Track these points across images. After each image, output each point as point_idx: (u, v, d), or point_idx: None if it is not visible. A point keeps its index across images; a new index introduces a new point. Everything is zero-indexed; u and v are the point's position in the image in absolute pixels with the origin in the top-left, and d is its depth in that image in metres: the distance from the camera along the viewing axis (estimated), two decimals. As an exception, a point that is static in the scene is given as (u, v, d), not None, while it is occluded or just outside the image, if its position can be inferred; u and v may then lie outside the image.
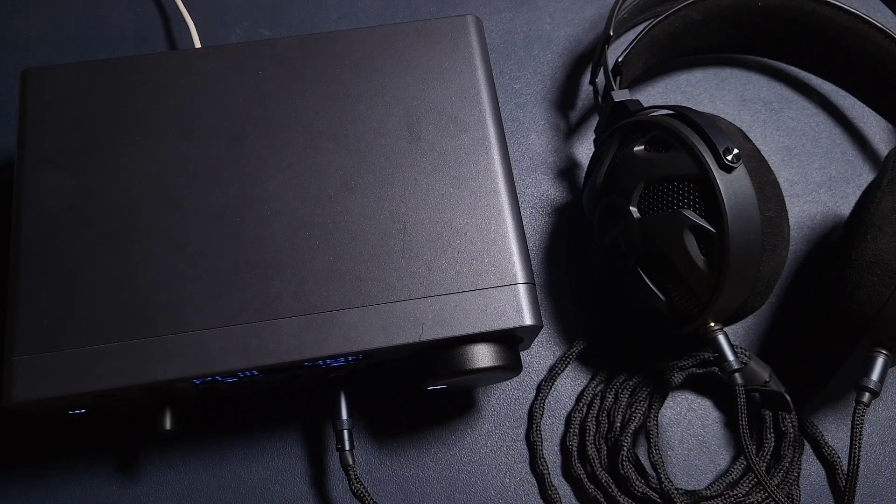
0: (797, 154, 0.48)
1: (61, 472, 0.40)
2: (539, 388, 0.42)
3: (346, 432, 0.38)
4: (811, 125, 0.49)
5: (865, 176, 0.48)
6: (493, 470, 0.41)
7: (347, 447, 0.38)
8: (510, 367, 0.36)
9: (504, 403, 0.43)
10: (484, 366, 0.35)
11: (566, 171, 0.47)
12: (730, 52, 0.50)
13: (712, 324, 0.36)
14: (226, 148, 0.37)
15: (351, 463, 0.37)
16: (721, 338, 0.37)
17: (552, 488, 0.40)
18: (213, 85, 0.38)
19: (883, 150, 0.49)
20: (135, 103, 0.37)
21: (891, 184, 0.38)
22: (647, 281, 0.37)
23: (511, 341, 0.36)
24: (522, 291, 0.35)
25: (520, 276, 0.36)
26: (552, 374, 0.42)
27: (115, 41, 0.49)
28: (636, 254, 0.37)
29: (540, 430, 0.41)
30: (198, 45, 0.46)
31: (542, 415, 0.42)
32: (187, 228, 0.36)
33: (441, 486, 0.41)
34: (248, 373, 0.34)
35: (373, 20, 0.51)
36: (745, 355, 0.41)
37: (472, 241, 0.36)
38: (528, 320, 0.35)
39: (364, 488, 0.37)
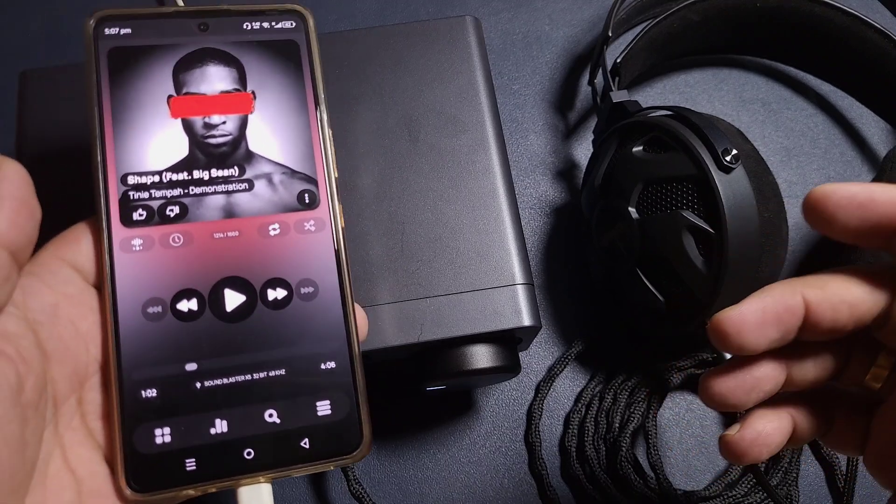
0: (796, 154, 0.48)
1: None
2: (538, 389, 0.42)
3: None
4: (810, 126, 0.49)
5: (864, 177, 0.48)
6: (492, 471, 0.41)
7: None
8: (509, 367, 0.36)
9: (503, 404, 0.43)
10: (483, 366, 0.35)
11: (565, 171, 0.47)
12: (728, 52, 0.50)
13: (711, 324, 0.36)
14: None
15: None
16: (720, 338, 0.37)
17: (551, 489, 0.40)
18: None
19: (881, 150, 0.49)
20: None
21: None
22: (646, 282, 0.37)
23: (510, 342, 0.36)
24: (521, 292, 0.35)
25: (518, 276, 0.36)
26: (551, 375, 0.42)
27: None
28: (635, 254, 0.37)
29: (539, 431, 0.41)
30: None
31: (540, 415, 0.42)
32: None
33: (440, 486, 0.41)
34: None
35: (371, 21, 0.51)
36: (744, 356, 0.41)
37: (471, 242, 0.36)
38: (526, 321, 0.35)
39: (363, 489, 0.37)
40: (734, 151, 0.34)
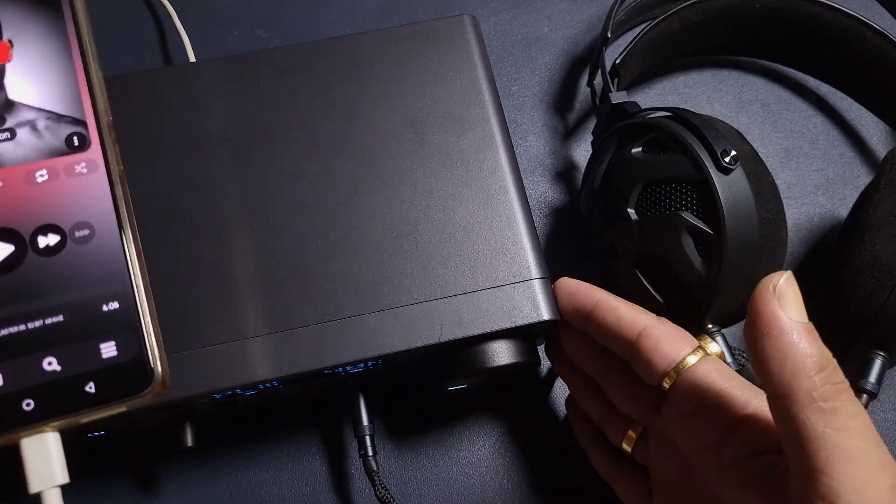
0: (795, 156, 0.48)
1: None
2: (538, 389, 0.42)
3: (367, 438, 0.37)
4: (809, 127, 0.49)
5: (863, 178, 0.48)
6: (492, 471, 0.41)
7: (370, 452, 0.37)
8: (530, 362, 0.36)
9: (502, 404, 0.42)
10: (506, 363, 0.35)
11: (564, 172, 0.47)
12: (727, 53, 0.50)
13: (710, 326, 0.37)
14: (231, 161, 0.36)
15: (375, 468, 0.37)
16: (719, 339, 0.37)
17: (552, 489, 0.40)
18: (214, 98, 0.37)
19: (881, 151, 0.49)
20: (136, 120, 0.37)
21: (888, 186, 0.38)
22: (645, 283, 0.37)
23: (529, 336, 0.37)
24: (538, 286, 0.35)
25: (534, 271, 0.36)
26: (551, 375, 0.42)
27: (109, 48, 0.48)
28: (634, 255, 0.37)
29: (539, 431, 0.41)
30: (191, 55, 0.46)
31: (541, 415, 0.42)
32: (197, 243, 0.35)
33: (439, 487, 0.41)
34: (267, 384, 0.34)
35: (370, 22, 0.51)
36: (744, 357, 0.41)
37: (485, 240, 0.36)
38: (545, 315, 0.35)
39: (389, 494, 0.37)
40: (733, 153, 0.34)
